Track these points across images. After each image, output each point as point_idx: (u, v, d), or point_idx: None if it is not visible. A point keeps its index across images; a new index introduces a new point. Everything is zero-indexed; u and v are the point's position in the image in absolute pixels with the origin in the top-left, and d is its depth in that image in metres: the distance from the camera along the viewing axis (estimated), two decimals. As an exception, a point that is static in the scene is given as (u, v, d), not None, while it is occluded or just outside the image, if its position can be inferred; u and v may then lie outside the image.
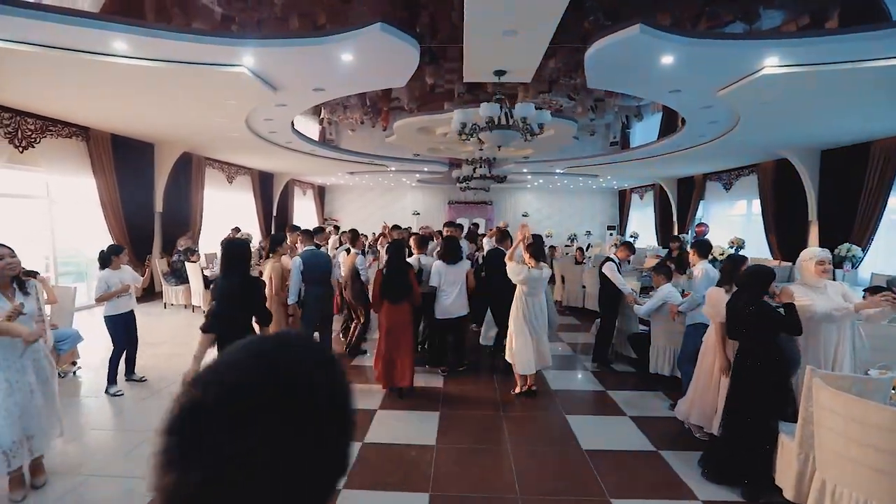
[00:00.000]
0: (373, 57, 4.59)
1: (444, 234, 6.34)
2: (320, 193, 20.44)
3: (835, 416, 2.23)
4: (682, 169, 12.38)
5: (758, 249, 10.36)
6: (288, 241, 5.25)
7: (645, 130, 11.88)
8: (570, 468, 3.22)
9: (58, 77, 5.01)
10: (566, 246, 14.21)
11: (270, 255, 4.94)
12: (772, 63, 4.45)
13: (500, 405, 4.26)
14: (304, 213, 18.62)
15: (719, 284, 3.55)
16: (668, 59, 4.44)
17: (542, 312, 4.35)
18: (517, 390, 4.44)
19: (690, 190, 13.14)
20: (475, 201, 19.58)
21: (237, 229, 9.91)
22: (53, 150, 7.02)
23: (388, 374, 4.31)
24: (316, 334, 4.75)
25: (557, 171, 13.51)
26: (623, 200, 18.52)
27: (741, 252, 9.45)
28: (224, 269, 2.96)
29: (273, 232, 12.93)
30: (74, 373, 4.90)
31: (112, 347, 4.43)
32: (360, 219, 19.13)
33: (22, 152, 6.48)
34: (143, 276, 4.96)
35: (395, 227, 7.07)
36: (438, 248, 5.31)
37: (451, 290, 4.86)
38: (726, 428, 3.07)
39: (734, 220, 11.91)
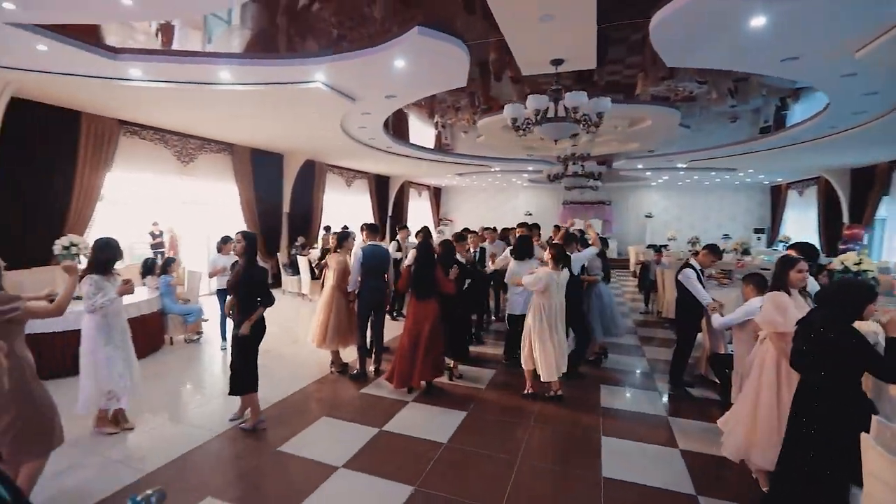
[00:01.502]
0: (423, 60, 4.74)
1: (517, 233, 6.21)
2: (436, 194, 21.47)
3: (885, 488, 1.60)
4: (855, 156, 9.76)
5: (970, 261, 7.64)
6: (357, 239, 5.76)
7: (807, 112, 9.68)
8: (574, 494, 2.88)
9: (197, 105, 6.32)
10: (689, 251, 12.38)
11: (338, 249, 5.44)
12: (924, 5, 3.29)
13: (534, 415, 4.00)
14: (420, 213, 19.76)
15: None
16: (758, 21, 3.61)
17: (563, 314, 4.24)
18: (529, 390, 4.40)
19: (868, 183, 10.30)
20: (592, 201, 18.40)
21: (345, 227, 11.03)
22: (207, 164, 8.81)
23: (404, 372, 4.32)
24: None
25: (679, 165, 11.88)
26: (777, 198, 15.39)
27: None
28: (249, 256, 3.46)
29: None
30: (198, 340, 6.12)
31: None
32: (473, 219, 19.57)
33: (186, 166, 8.31)
34: None
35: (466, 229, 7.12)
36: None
37: (515, 287, 5.07)
38: (778, 483, 2.41)
39: (935, 222, 8.98)
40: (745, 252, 9.95)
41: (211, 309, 6.53)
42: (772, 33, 3.81)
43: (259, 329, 3.57)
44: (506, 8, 3.56)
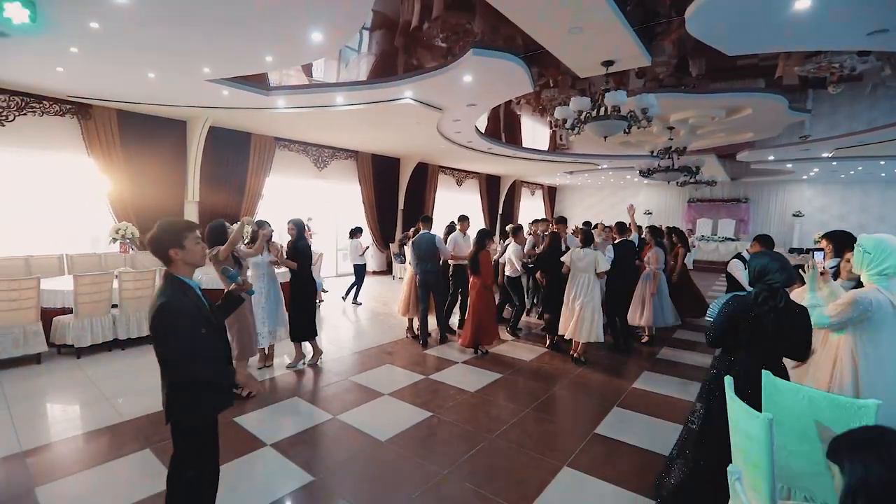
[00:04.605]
0: (485, 75, 5.49)
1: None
2: (550, 193, 21.52)
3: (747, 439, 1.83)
4: None
5: None
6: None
7: None
8: (558, 437, 3.38)
9: (324, 122, 8.08)
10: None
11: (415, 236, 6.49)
12: None
13: (562, 383, 4.47)
14: (532, 212, 20.07)
15: None
16: (803, 2, 3.52)
17: (587, 290, 4.88)
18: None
19: None
20: (723, 199, 16.59)
21: (452, 223, 12.21)
22: (337, 169, 10.83)
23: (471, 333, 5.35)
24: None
25: (824, 155, 10.18)
26: None
27: None
28: (299, 233, 4.83)
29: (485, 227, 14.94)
30: (318, 306, 7.85)
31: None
32: (589, 217, 19.16)
33: (320, 171, 10.40)
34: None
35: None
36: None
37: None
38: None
39: None
40: None
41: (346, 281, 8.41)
42: (834, 10, 3.62)
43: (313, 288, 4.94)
44: (535, 26, 4.13)
